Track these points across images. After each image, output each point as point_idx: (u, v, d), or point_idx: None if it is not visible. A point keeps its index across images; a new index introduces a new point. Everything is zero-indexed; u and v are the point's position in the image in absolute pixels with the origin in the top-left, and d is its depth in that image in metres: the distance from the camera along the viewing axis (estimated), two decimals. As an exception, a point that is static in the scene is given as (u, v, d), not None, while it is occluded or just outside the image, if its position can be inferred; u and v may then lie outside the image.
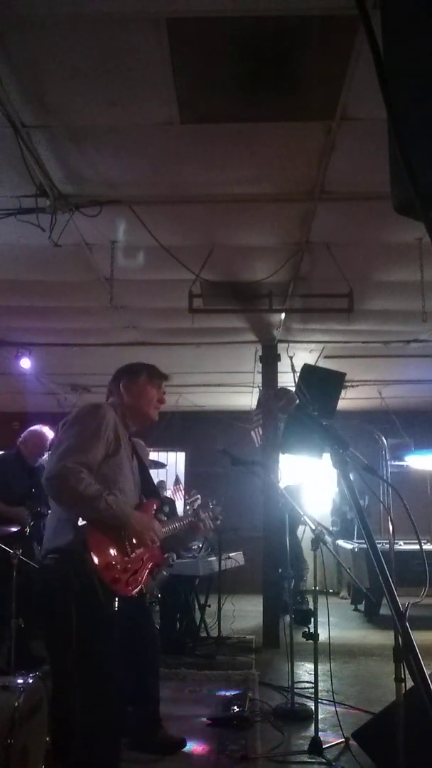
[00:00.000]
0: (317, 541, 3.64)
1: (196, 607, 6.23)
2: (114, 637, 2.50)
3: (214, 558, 6.04)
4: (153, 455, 8.91)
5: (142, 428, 2.97)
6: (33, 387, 8.18)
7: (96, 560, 2.41)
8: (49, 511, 2.65)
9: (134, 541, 2.65)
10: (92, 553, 2.41)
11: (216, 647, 5.73)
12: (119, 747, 2.57)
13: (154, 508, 2.92)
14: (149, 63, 2.77)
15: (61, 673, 2.42)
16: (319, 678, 3.62)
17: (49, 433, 5.42)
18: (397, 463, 8.31)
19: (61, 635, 2.35)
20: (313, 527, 3.73)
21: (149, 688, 3.51)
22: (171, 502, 7.69)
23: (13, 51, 2.69)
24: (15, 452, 5.43)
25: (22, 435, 5.50)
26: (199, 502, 3.39)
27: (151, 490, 2.97)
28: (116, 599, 2.45)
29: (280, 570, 6.60)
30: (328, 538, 3.71)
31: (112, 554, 2.51)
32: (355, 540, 7.75)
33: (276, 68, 2.84)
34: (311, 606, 3.80)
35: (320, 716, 3.53)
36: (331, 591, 8.87)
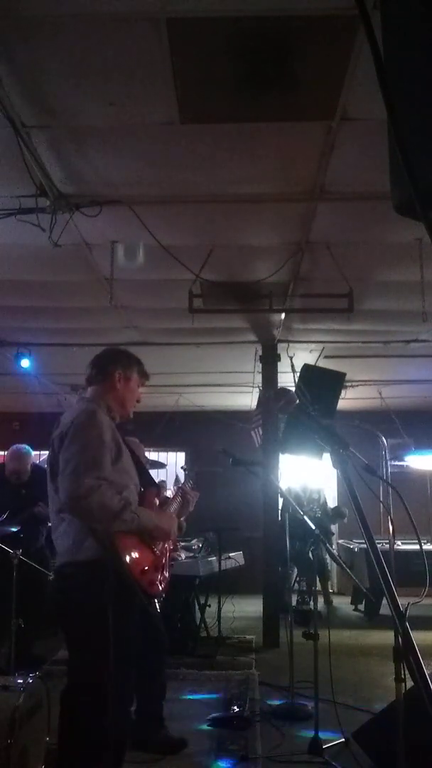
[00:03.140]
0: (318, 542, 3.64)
1: (196, 607, 6.23)
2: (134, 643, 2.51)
3: (214, 558, 6.04)
4: (153, 455, 8.91)
5: (119, 423, 2.83)
6: (33, 387, 8.18)
7: (133, 569, 2.39)
8: (63, 521, 2.51)
9: (158, 540, 2.63)
10: (128, 563, 2.37)
11: (216, 647, 5.73)
12: (124, 753, 2.55)
13: (156, 497, 2.90)
14: (149, 63, 2.77)
15: (86, 680, 2.38)
16: (319, 678, 3.62)
17: (26, 452, 5.44)
18: (397, 463, 8.31)
19: (89, 645, 2.33)
20: (314, 529, 3.73)
21: (155, 688, 3.52)
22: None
23: (14, 51, 2.69)
24: None
25: (6, 454, 5.56)
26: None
27: (147, 480, 2.92)
28: (155, 600, 2.46)
29: (280, 570, 6.60)
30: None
31: (143, 558, 2.49)
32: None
33: (276, 68, 2.84)
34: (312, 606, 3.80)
35: (320, 716, 3.53)
36: (332, 591, 8.89)
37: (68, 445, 2.46)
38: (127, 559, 2.39)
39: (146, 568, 2.48)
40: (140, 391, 2.89)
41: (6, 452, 5.46)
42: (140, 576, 2.42)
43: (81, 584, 2.39)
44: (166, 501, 3.02)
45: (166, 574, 2.69)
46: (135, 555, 2.44)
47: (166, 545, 2.73)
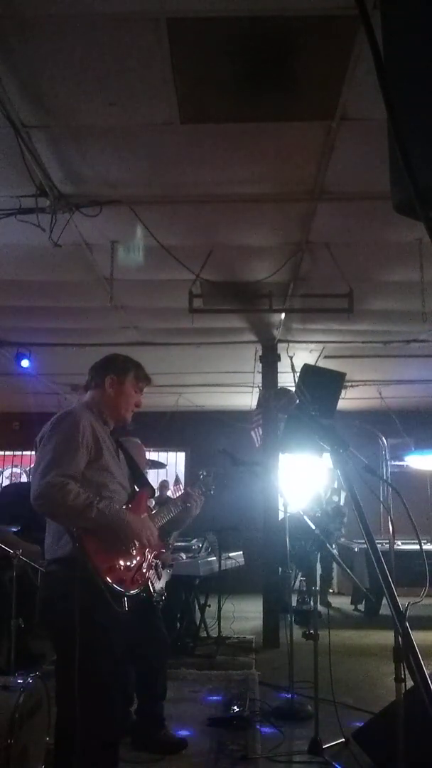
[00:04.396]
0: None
1: (196, 607, 6.23)
2: (118, 641, 2.50)
3: (214, 558, 6.04)
4: (153, 455, 8.91)
5: (116, 427, 2.86)
6: (33, 387, 8.18)
7: (98, 565, 2.40)
8: (47, 525, 2.58)
9: (128, 539, 2.64)
10: (93, 559, 2.39)
11: (216, 647, 5.72)
12: (117, 754, 2.55)
13: (149, 498, 2.92)
14: (149, 63, 2.77)
15: (64, 678, 2.40)
16: (319, 678, 3.62)
17: None
18: (397, 463, 8.31)
19: (66, 641, 2.34)
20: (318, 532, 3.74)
21: (156, 688, 3.51)
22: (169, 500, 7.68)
23: (14, 51, 2.69)
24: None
25: None
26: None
27: (142, 482, 2.94)
28: (126, 598, 2.45)
29: (280, 570, 6.60)
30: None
31: (113, 555, 2.51)
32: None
33: (276, 68, 2.84)
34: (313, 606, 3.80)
35: (320, 716, 3.53)
36: (332, 591, 8.90)
37: (43, 445, 2.53)
38: (94, 555, 2.41)
39: (115, 564, 2.49)
40: (139, 395, 2.88)
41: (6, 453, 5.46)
42: (107, 572, 2.43)
43: (60, 580, 2.43)
44: (167, 501, 3.02)
45: (147, 573, 2.68)
46: (104, 552, 2.46)
47: (147, 547, 2.72)
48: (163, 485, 8.92)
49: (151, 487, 3.01)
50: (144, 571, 2.66)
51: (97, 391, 2.80)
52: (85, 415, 2.62)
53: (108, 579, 2.42)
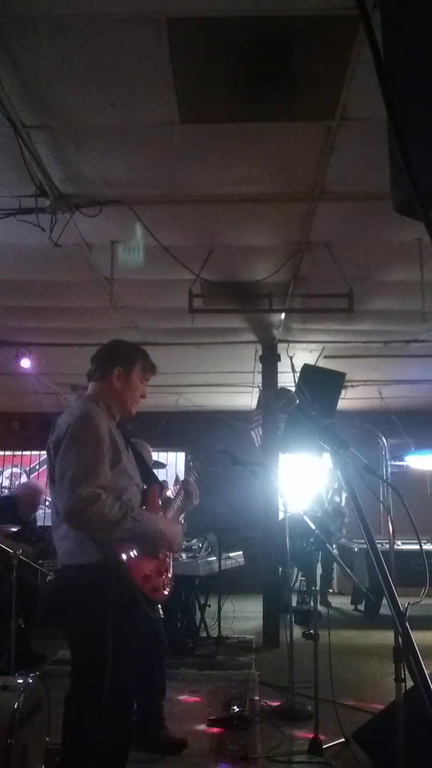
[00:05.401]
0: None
1: (196, 607, 6.23)
2: (139, 646, 2.48)
3: (214, 558, 6.04)
4: (153, 455, 8.89)
5: (121, 421, 2.72)
6: (33, 387, 8.18)
7: (134, 575, 2.35)
8: (63, 523, 2.42)
9: (161, 546, 2.58)
10: (129, 570, 2.33)
11: (216, 647, 5.73)
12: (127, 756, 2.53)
13: (159, 493, 2.87)
14: (149, 63, 2.77)
15: (84, 682, 2.35)
16: (319, 678, 3.62)
17: (43, 488, 5.49)
18: (397, 463, 8.30)
19: (91, 647, 2.29)
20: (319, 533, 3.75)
21: (155, 688, 3.52)
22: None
23: (14, 51, 2.69)
24: (10, 501, 5.53)
25: (19, 488, 5.61)
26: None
27: (150, 477, 2.84)
28: (158, 606, 2.43)
29: (280, 570, 6.60)
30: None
31: (146, 564, 2.45)
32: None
33: (276, 68, 2.84)
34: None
35: (320, 716, 3.53)
36: (332, 591, 8.90)
37: (64, 452, 2.37)
38: (129, 565, 2.35)
39: (149, 573, 2.45)
40: (144, 385, 2.75)
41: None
42: (143, 582, 2.39)
43: (82, 587, 2.35)
44: (168, 500, 3.00)
45: (170, 577, 2.65)
46: (137, 561, 2.40)
47: (175, 550, 2.69)
48: (163, 485, 8.90)
49: (159, 481, 2.94)
50: (169, 575, 2.62)
51: (102, 384, 2.66)
52: (101, 416, 2.49)
53: (144, 589, 2.37)
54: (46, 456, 2.56)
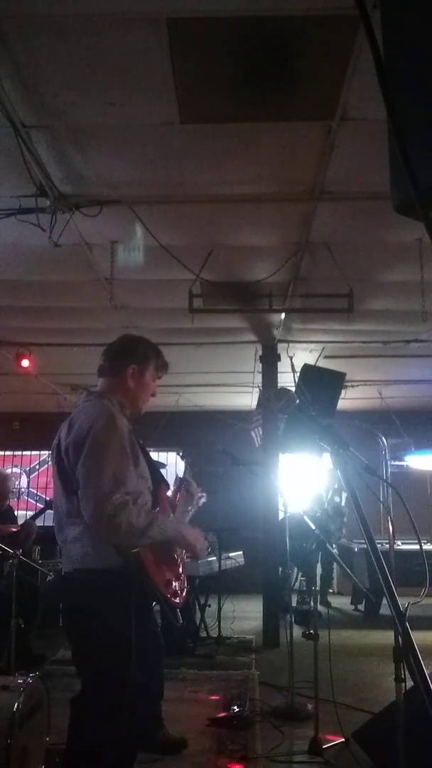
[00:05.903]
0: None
1: (196, 607, 6.23)
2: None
3: (214, 558, 6.04)
4: (153, 455, 8.90)
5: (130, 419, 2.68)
6: (33, 387, 8.18)
7: (159, 582, 2.33)
8: (76, 525, 2.35)
9: (181, 550, 2.57)
10: (154, 577, 2.30)
11: (216, 647, 5.73)
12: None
13: (165, 493, 2.85)
14: (149, 63, 2.77)
15: (95, 685, 2.32)
16: (319, 678, 3.62)
17: (8, 475, 5.49)
18: (397, 463, 8.30)
19: (103, 653, 2.26)
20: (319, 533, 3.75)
21: (153, 688, 3.51)
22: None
23: (14, 51, 2.69)
24: None
25: None
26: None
27: (157, 477, 2.78)
28: (177, 611, 2.42)
29: (280, 570, 6.60)
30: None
31: (166, 570, 2.44)
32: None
33: (276, 68, 2.84)
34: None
35: (320, 716, 3.53)
36: (332, 591, 8.90)
37: (89, 455, 2.28)
38: (153, 572, 2.31)
39: (169, 578, 2.43)
40: (155, 383, 2.71)
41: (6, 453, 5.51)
42: (165, 589, 2.36)
43: (97, 593, 2.29)
44: (172, 501, 2.99)
45: (184, 581, 2.62)
46: (159, 566, 2.38)
47: (197, 555, 2.67)
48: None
49: (165, 480, 2.91)
50: (183, 579, 2.59)
51: (115, 381, 2.59)
52: (121, 417, 2.43)
53: (166, 594, 2.36)
54: (52, 456, 2.50)
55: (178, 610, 2.41)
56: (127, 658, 2.17)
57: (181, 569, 2.59)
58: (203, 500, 3.12)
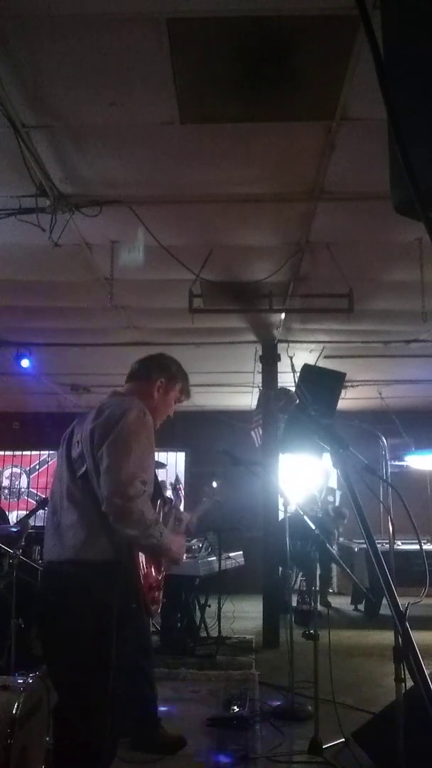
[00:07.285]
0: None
1: (196, 607, 6.23)
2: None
3: (214, 558, 6.04)
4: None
5: None
6: (33, 387, 8.18)
7: (143, 584, 2.30)
8: (73, 511, 2.31)
9: (166, 562, 2.56)
10: (141, 577, 2.28)
11: (216, 647, 5.72)
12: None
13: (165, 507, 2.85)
14: (149, 63, 2.77)
15: (78, 686, 2.24)
16: (319, 678, 3.62)
17: None
18: (397, 463, 8.31)
19: (91, 650, 2.19)
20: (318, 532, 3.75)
21: (147, 689, 3.51)
22: (170, 502, 7.68)
23: (14, 51, 2.69)
24: None
25: None
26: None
27: (156, 487, 2.72)
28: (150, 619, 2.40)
29: (280, 570, 6.60)
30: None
31: (151, 576, 2.42)
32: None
33: (276, 68, 2.84)
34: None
35: (320, 716, 3.53)
36: (332, 591, 8.90)
37: (119, 437, 2.27)
38: (140, 573, 2.29)
39: (151, 584, 2.41)
40: (174, 407, 2.74)
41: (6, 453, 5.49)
42: (147, 593, 2.34)
43: (87, 585, 2.24)
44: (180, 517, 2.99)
45: (161, 594, 2.59)
46: (147, 570, 2.37)
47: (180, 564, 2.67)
48: (161, 485, 8.89)
49: (161, 493, 2.92)
50: (161, 592, 2.55)
51: (143, 388, 2.63)
52: (149, 414, 2.44)
53: (147, 601, 2.33)
54: (63, 442, 2.48)
55: (149, 619, 2.38)
56: (107, 658, 2.12)
57: (162, 582, 2.58)
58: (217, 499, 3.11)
